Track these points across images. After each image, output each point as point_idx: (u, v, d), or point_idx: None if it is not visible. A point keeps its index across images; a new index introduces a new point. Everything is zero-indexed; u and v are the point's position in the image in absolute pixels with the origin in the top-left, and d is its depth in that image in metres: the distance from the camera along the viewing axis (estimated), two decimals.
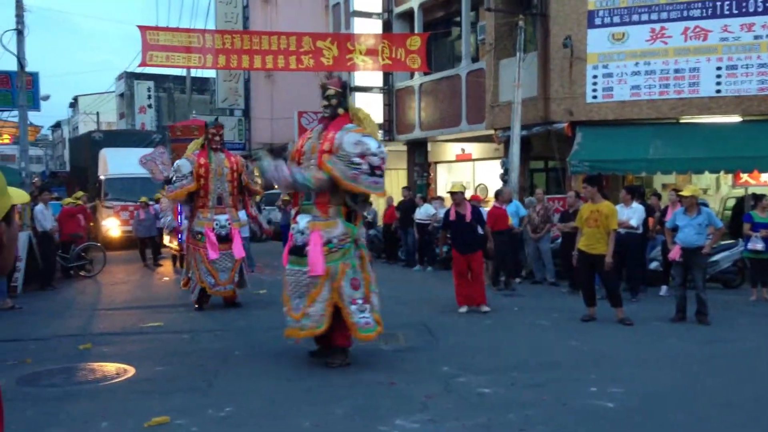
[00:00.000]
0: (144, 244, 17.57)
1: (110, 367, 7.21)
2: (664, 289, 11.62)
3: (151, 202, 17.82)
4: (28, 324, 9.91)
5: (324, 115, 7.34)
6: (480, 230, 10.40)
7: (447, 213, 10.62)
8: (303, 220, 7.14)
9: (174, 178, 10.68)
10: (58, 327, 9.63)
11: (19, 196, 1.77)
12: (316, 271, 6.86)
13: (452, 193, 10.24)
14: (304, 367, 7.14)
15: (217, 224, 10.65)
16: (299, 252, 7.06)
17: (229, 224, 10.76)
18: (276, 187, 7.89)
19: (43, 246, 13.51)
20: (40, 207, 13.78)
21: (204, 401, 6.01)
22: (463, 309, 10.13)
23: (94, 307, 11.44)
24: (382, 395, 6.14)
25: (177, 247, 16.06)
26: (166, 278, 15.10)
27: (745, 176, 14.79)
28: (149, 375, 6.92)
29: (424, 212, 15.58)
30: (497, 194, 13.17)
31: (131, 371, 7.03)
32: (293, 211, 7.71)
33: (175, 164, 11.06)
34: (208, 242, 10.53)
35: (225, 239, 10.69)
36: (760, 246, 10.97)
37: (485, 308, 10.11)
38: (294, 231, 7.19)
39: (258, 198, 11.57)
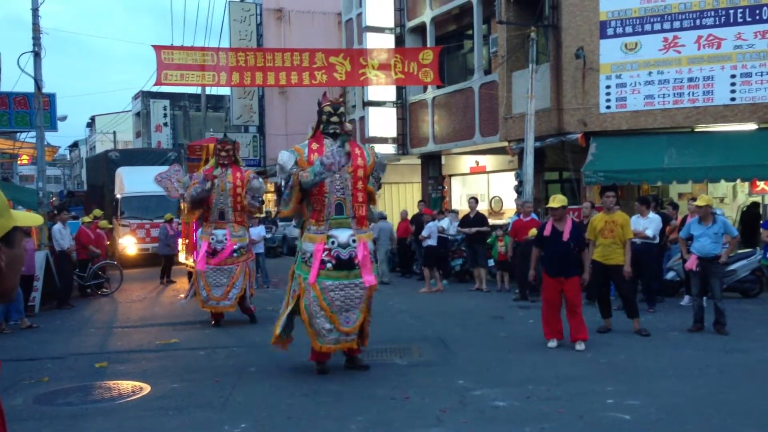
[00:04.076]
0: (168, 261, 17.65)
1: (126, 385, 7.25)
2: (686, 298, 11.44)
3: (177, 219, 17.92)
4: (45, 343, 9.98)
5: (336, 131, 7.50)
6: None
7: (542, 227, 9.17)
8: (344, 234, 7.26)
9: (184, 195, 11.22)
10: (75, 345, 9.69)
11: (27, 218, 1.77)
12: (373, 282, 7.24)
13: (552, 209, 8.80)
14: (320, 383, 7.13)
15: (213, 238, 10.73)
16: (348, 266, 7.21)
17: (226, 239, 10.74)
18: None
19: (61, 265, 13.63)
20: (58, 226, 13.89)
21: (219, 417, 6.02)
22: (552, 344, 8.55)
23: (110, 325, 11.50)
24: (396, 409, 6.12)
25: (193, 265, 16.14)
26: (182, 295, 15.14)
27: (761, 184, 14.67)
28: (165, 392, 6.93)
29: (441, 225, 15.55)
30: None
31: (147, 389, 7.05)
32: (311, 227, 7.51)
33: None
34: (199, 254, 10.75)
35: (220, 254, 10.74)
36: None
37: (580, 346, 8.35)
38: (333, 246, 7.22)
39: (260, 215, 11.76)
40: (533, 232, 12.05)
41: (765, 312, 10.84)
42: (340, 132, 7.45)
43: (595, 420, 5.68)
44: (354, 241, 7.27)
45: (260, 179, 11.55)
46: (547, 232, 8.78)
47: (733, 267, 11.67)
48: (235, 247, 10.79)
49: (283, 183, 7.55)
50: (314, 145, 7.51)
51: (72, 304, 13.64)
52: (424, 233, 14.68)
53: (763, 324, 9.89)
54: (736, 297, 11.97)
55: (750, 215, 14.76)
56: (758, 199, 15.59)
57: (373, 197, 7.70)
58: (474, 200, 14.95)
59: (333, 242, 7.22)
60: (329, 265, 7.19)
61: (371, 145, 8.03)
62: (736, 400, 6.22)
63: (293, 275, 7.55)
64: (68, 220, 14.56)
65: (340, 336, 7.22)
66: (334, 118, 7.54)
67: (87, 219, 16.05)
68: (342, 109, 7.67)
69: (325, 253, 7.22)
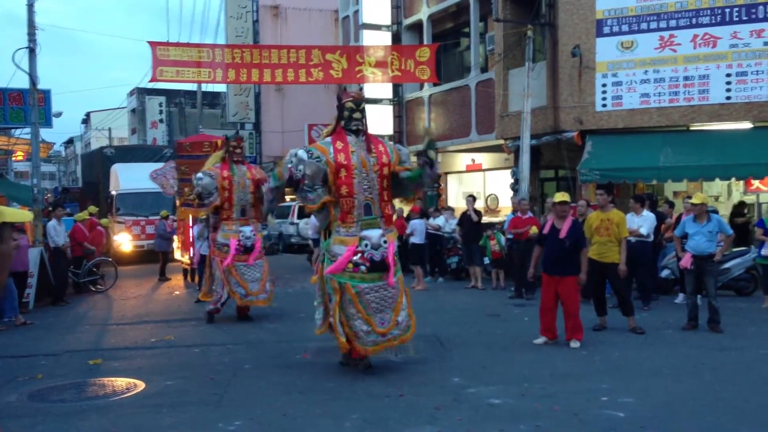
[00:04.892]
0: (165, 258, 17.63)
1: (120, 382, 7.23)
2: (681, 296, 11.47)
3: (173, 216, 17.89)
4: (39, 339, 9.95)
5: (359, 128, 7.37)
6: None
7: (543, 225, 9.24)
8: (376, 235, 7.10)
9: (202, 196, 10.82)
10: (69, 342, 9.66)
11: (15, 214, 1.76)
12: (393, 281, 7.11)
13: (560, 203, 8.71)
14: (315, 380, 7.12)
15: (242, 236, 10.80)
16: (381, 267, 7.07)
17: (254, 235, 10.91)
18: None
19: (56, 261, 13.60)
20: (53, 223, 13.85)
21: (214, 415, 6.01)
22: (539, 340, 8.62)
23: (105, 322, 11.47)
24: (391, 407, 6.11)
25: (188, 262, 16.14)
26: (177, 292, 15.13)
27: (756, 183, 14.70)
28: (159, 389, 6.92)
29: (437, 223, 15.61)
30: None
31: (141, 386, 7.04)
32: (340, 229, 7.22)
33: (194, 178, 11.14)
34: (230, 253, 10.67)
35: (251, 250, 10.83)
36: None
37: (575, 344, 8.39)
38: (366, 248, 7.04)
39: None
40: (534, 230, 12.09)
41: (759, 310, 10.86)
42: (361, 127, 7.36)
43: (589, 418, 5.69)
44: (385, 241, 7.14)
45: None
46: (546, 229, 8.81)
47: (727, 265, 11.71)
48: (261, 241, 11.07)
49: (307, 188, 7.17)
50: (339, 144, 7.21)
51: (67, 301, 13.60)
52: (408, 231, 14.78)
53: (757, 322, 9.92)
54: (730, 295, 12.02)
55: (735, 215, 14.73)
56: (753, 197, 15.63)
57: (434, 176, 7.56)
58: (471, 198, 14.94)
59: (366, 244, 7.05)
60: (363, 267, 7.02)
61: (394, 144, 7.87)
62: (730, 397, 6.24)
63: (323, 278, 7.32)
64: (63, 216, 14.52)
65: (378, 338, 7.08)
66: (357, 114, 7.34)
67: (82, 216, 15.99)
68: (363, 105, 7.50)
69: (358, 255, 7.03)
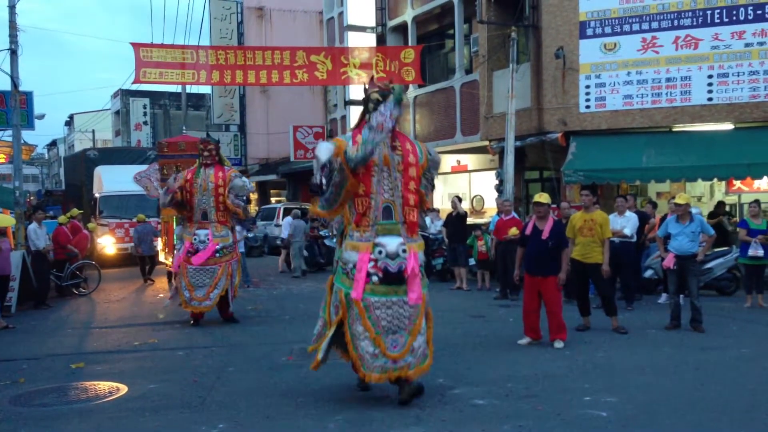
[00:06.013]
0: (143, 261, 17.55)
1: (103, 386, 7.17)
2: (664, 296, 11.54)
3: (157, 219, 17.80)
4: (21, 343, 9.86)
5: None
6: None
7: (525, 226, 9.16)
8: (393, 242, 6.18)
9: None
10: (51, 346, 9.58)
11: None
12: (419, 300, 6.21)
13: (536, 204, 8.79)
14: (299, 382, 7.10)
15: (196, 239, 10.69)
16: (397, 280, 6.13)
17: (209, 239, 10.70)
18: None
19: (37, 265, 13.48)
20: (33, 226, 13.76)
21: (197, 418, 5.97)
22: (523, 341, 8.67)
23: (88, 326, 11.39)
24: (376, 408, 6.11)
25: (171, 264, 16.06)
26: (161, 295, 15.05)
27: (738, 183, 14.83)
28: (142, 393, 6.87)
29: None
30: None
31: (124, 389, 6.98)
32: (353, 233, 6.29)
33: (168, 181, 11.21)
34: (181, 254, 10.68)
35: (202, 254, 10.67)
36: (761, 252, 10.99)
37: (559, 344, 8.42)
38: (380, 256, 6.11)
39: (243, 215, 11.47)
40: (513, 231, 12.11)
41: (741, 310, 10.96)
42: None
43: (572, 417, 5.71)
44: (404, 251, 6.17)
45: (243, 177, 11.48)
46: (528, 230, 8.84)
47: (709, 265, 11.81)
48: (217, 247, 10.74)
49: (323, 180, 6.19)
50: (358, 137, 6.21)
51: (49, 305, 13.49)
52: None
53: (739, 321, 10.01)
54: (712, 295, 12.12)
55: (710, 216, 14.81)
56: (735, 197, 15.76)
57: (424, 202, 6.70)
58: (457, 199, 14.96)
59: (380, 252, 6.12)
60: (375, 278, 6.09)
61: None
62: (711, 396, 6.29)
63: (331, 288, 6.43)
64: (43, 219, 14.39)
65: (387, 362, 6.06)
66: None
67: (63, 219, 15.88)
68: (391, 97, 6.46)
69: (371, 264, 6.11)
